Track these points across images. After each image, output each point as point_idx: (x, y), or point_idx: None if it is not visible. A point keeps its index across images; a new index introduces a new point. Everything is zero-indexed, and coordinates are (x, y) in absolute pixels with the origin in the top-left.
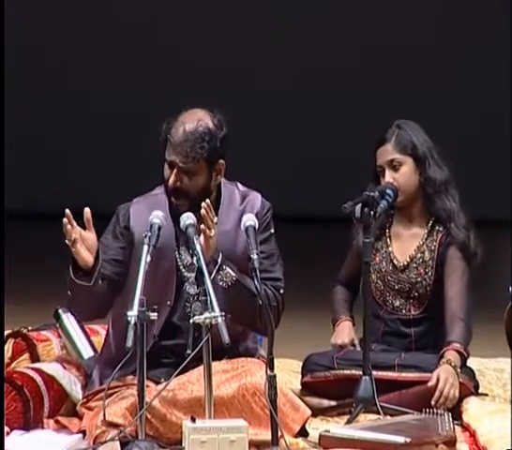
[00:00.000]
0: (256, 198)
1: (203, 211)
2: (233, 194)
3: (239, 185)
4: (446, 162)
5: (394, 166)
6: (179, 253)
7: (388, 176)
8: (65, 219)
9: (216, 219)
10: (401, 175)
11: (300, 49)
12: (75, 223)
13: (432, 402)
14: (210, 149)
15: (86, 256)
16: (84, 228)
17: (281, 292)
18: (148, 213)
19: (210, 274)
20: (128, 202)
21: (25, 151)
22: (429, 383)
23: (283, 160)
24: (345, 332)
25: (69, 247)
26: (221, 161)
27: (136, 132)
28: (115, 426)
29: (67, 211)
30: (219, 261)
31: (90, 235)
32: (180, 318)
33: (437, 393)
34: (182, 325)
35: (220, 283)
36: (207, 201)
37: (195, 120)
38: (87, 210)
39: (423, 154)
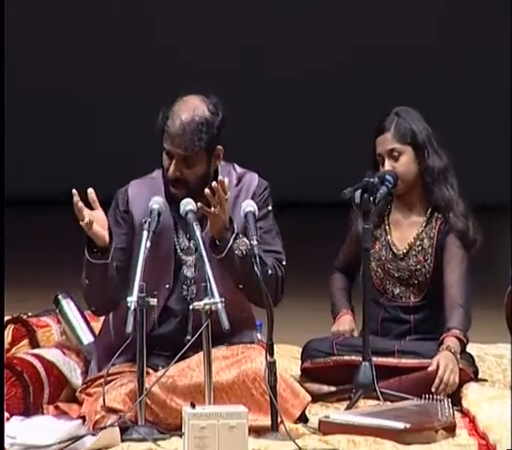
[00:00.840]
0: (253, 178)
1: (207, 190)
2: (230, 175)
3: (236, 166)
4: (445, 150)
5: (393, 155)
6: (177, 237)
7: (388, 165)
8: (75, 198)
9: (227, 196)
10: (401, 165)
11: (301, 49)
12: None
13: (433, 389)
14: (208, 139)
15: (103, 234)
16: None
17: (283, 263)
18: (147, 195)
19: (228, 242)
20: (126, 185)
21: (26, 140)
22: (430, 369)
23: (284, 144)
24: (346, 323)
25: (84, 229)
26: (219, 147)
27: (136, 116)
28: (115, 411)
29: (74, 190)
30: (236, 229)
31: (99, 214)
32: (176, 301)
33: (437, 379)
34: (177, 309)
35: (236, 252)
36: (214, 183)
37: (191, 110)
38: (91, 190)
39: (422, 143)
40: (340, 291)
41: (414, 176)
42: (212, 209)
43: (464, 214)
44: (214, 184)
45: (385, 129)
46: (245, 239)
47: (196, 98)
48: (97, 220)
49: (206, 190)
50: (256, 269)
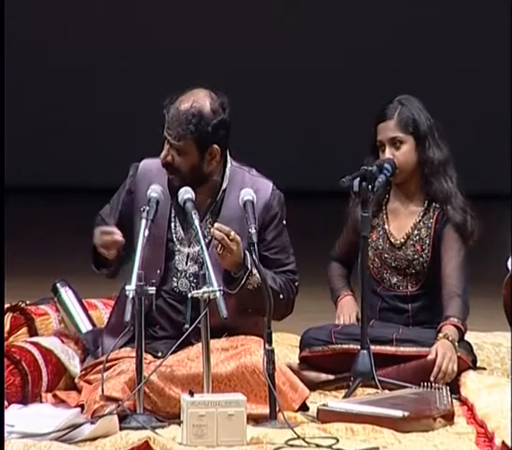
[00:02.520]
0: (267, 186)
1: (217, 233)
2: (243, 179)
3: (253, 170)
4: (446, 141)
5: (395, 144)
6: (175, 226)
7: (388, 153)
8: (114, 231)
9: (233, 234)
10: (402, 154)
11: (302, 49)
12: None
13: (431, 378)
14: (197, 132)
15: (114, 255)
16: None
17: (296, 284)
18: (155, 177)
19: (241, 280)
20: (139, 162)
21: (26, 127)
22: (429, 357)
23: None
24: (350, 306)
25: (98, 249)
26: (215, 147)
27: (138, 107)
28: (114, 400)
29: (116, 230)
30: (249, 266)
31: (118, 239)
32: (168, 291)
33: (436, 368)
34: (168, 298)
35: (249, 287)
36: (217, 232)
37: (191, 101)
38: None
39: (424, 133)
40: (339, 276)
41: (413, 166)
42: (222, 252)
43: (462, 207)
44: (214, 231)
45: (388, 117)
46: (257, 274)
47: (203, 92)
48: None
49: (217, 233)
50: (254, 257)
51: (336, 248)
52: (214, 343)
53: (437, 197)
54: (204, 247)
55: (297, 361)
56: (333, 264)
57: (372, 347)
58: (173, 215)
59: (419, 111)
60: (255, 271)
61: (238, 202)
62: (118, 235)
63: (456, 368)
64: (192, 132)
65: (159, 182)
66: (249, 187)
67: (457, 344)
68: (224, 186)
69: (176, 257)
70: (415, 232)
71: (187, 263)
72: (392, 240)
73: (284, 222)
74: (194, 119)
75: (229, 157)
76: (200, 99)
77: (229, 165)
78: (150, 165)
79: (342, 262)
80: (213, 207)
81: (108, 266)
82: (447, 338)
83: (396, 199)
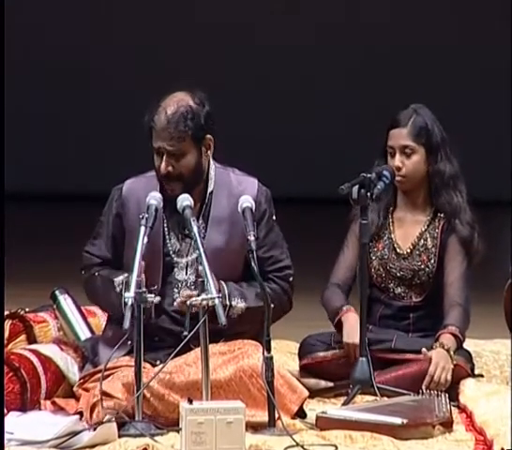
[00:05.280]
0: (253, 184)
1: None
2: (229, 179)
3: (235, 170)
4: (457, 156)
5: (406, 152)
6: (169, 239)
7: (398, 161)
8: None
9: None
10: (412, 163)
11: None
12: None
13: (423, 386)
14: (194, 126)
15: None
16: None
17: (291, 280)
18: (143, 194)
19: (224, 318)
20: (122, 184)
21: (27, 133)
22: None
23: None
24: (356, 328)
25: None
26: (208, 136)
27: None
28: (112, 397)
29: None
30: (228, 302)
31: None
32: (169, 304)
33: (427, 377)
34: (170, 310)
35: (232, 316)
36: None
37: (175, 102)
38: None
39: (436, 145)
40: (337, 296)
41: (421, 176)
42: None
43: (470, 223)
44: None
45: (402, 124)
46: (239, 305)
47: (181, 93)
48: None
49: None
50: (253, 264)
51: (334, 275)
52: (211, 348)
53: (444, 209)
54: (203, 254)
55: (296, 369)
56: (331, 289)
57: (372, 347)
58: (166, 229)
59: (433, 122)
60: (234, 302)
61: (227, 203)
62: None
63: (449, 378)
64: (190, 129)
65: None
66: (236, 187)
67: (452, 353)
68: (211, 188)
69: (176, 269)
70: (421, 242)
71: (187, 273)
72: (398, 250)
73: (274, 218)
74: (188, 114)
75: (211, 159)
76: (182, 99)
77: (213, 167)
78: (134, 184)
79: (342, 289)
80: (203, 211)
81: None
82: (442, 347)
83: (402, 207)
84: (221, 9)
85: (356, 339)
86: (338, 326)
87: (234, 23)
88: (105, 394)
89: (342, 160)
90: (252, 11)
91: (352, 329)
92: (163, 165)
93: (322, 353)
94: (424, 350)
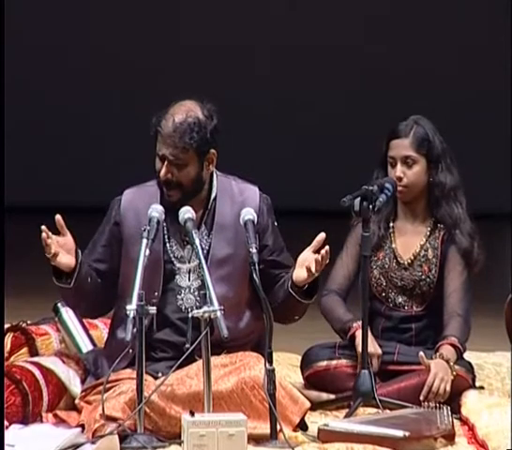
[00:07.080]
0: (254, 193)
1: (316, 257)
2: (230, 187)
3: (237, 179)
4: (457, 167)
5: (407, 162)
6: (170, 245)
7: (399, 171)
8: (43, 234)
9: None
10: (413, 174)
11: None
12: (51, 234)
13: (421, 397)
14: (199, 139)
15: (68, 261)
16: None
17: None
18: (140, 204)
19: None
20: (120, 195)
21: (24, 145)
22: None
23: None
24: (373, 338)
25: (49, 258)
26: (212, 151)
27: (134, 123)
28: (114, 420)
29: (43, 227)
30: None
31: (67, 239)
32: (173, 311)
33: (426, 387)
34: (174, 318)
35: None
36: (322, 252)
37: (184, 111)
38: (58, 217)
39: (437, 156)
40: (342, 307)
41: (422, 186)
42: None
43: (471, 233)
44: (322, 252)
45: (403, 134)
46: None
47: (191, 102)
48: (64, 247)
49: (316, 257)
50: (255, 276)
51: (333, 281)
52: (213, 360)
53: (445, 220)
54: (205, 266)
55: (298, 381)
56: (331, 297)
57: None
58: (166, 236)
59: (434, 132)
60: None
61: (230, 210)
62: (51, 239)
63: (448, 389)
64: (195, 142)
65: (147, 209)
66: (238, 195)
67: (451, 364)
68: (214, 195)
69: (177, 276)
70: (423, 252)
71: (189, 279)
72: (399, 259)
73: (276, 223)
74: (195, 127)
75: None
76: (192, 109)
77: (215, 175)
78: (133, 194)
79: (341, 296)
80: (206, 218)
81: (67, 277)
82: (442, 358)
83: (403, 217)
84: (220, 31)
85: (379, 349)
86: (352, 339)
87: (232, 46)
88: (107, 417)
89: (342, 173)
90: (252, 33)
91: (371, 340)
92: (163, 171)
93: (325, 362)
94: (421, 353)
